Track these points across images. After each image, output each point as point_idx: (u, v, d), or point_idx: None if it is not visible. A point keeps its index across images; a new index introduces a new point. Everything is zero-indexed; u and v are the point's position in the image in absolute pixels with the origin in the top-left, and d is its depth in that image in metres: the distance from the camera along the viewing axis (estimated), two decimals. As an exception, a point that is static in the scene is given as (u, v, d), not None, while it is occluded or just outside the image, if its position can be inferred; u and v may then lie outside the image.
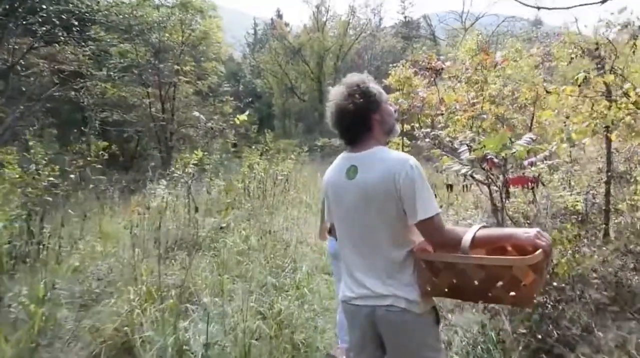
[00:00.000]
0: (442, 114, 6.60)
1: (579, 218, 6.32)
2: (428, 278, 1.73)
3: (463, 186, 3.67)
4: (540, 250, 1.53)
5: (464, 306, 3.70)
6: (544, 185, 4.03)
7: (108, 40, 16.51)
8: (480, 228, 1.68)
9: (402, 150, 16.82)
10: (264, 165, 8.28)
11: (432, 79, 6.27)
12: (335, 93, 1.87)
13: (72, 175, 8.08)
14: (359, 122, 1.84)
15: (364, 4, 46.92)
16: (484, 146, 3.16)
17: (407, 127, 14.52)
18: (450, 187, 3.53)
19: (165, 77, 17.30)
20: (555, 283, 3.56)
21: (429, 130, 6.18)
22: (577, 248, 3.76)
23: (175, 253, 4.75)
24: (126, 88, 17.30)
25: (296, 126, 36.36)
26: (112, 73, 15.66)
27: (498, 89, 7.66)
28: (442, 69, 6.02)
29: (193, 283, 3.83)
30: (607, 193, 5.40)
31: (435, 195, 2.28)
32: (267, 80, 37.29)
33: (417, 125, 9.35)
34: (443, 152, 3.55)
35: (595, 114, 4.11)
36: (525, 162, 3.35)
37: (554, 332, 2.71)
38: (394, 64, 15.01)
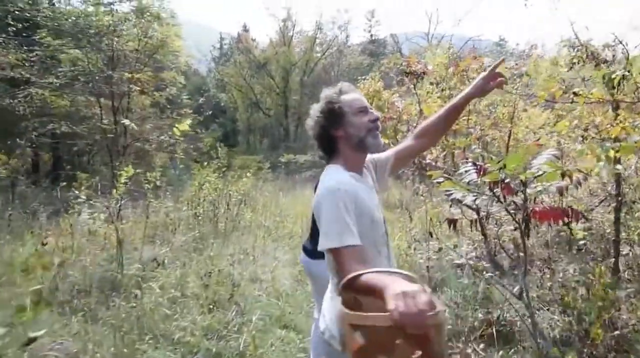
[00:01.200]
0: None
1: (578, 249, 5.53)
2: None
3: (473, 221, 2.71)
4: (385, 314, 1.07)
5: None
6: (586, 219, 3.17)
7: (57, 45, 15.14)
8: (370, 272, 1.30)
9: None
10: (216, 184, 7.19)
11: (412, 86, 5.38)
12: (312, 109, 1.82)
13: None
14: (321, 141, 1.79)
15: (330, 20, 46.37)
16: (504, 166, 2.23)
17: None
18: (452, 222, 2.57)
19: (118, 87, 16.00)
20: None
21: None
22: (612, 300, 2.85)
23: (84, 302, 3.61)
24: (77, 97, 15.99)
25: (261, 142, 35.32)
26: (57, 80, 14.26)
27: (473, 102, 6.90)
28: (424, 73, 5.15)
29: (92, 356, 2.72)
30: (617, 221, 4.58)
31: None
32: (232, 94, 36.23)
33: (386, 141, 8.44)
34: (444, 175, 2.59)
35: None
36: (553, 187, 2.43)
37: None
38: (363, 77, 14.26)
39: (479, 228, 4.88)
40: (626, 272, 4.50)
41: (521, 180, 2.55)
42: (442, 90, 5.62)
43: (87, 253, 4.71)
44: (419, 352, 1.08)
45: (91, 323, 3.29)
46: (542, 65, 5.10)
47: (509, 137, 9.47)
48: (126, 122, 4.26)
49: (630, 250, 4.95)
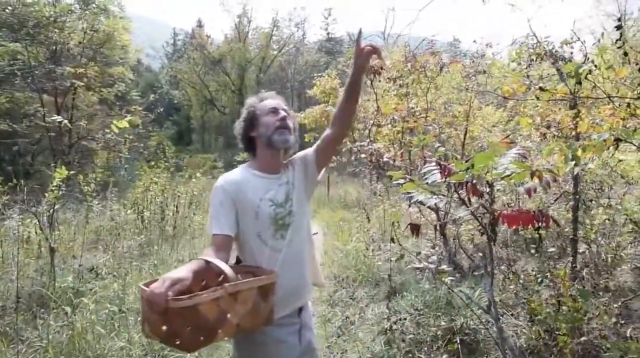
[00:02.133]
0: (380, 126, 5.55)
1: (536, 248, 5.50)
2: None
3: (438, 226, 2.47)
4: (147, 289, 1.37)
5: None
6: (558, 225, 3.05)
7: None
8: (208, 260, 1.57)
9: (329, 164, 15.76)
10: (162, 185, 6.76)
11: (370, 82, 5.20)
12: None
13: None
14: (244, 143, 1.99)
15: (287, 17, 45.82)
16: (472, 166, 2.04)
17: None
18: (415, 228, 2.35)
19: (61, 82, 15.09)
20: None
21: (364, 143, 5.08)
22: (578, 306, 2.73)
23: (7, 322, 3.21)
24: (15, 93, 15.01)
25: (216, 140, 34.54)
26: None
27: (430, 100, 6.82)
28: (382, 68, 4.97)
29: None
30: (575, 220, 4.55)
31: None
32: (186, 91, 35.26)
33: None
34: (408, 176, 2.38)
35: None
36: (522, 188, 2.26)
37: None
38: (319, 74, 14.07)
39: (438, 229, 4.75)
40: (584, 270, 4.47)
41: (487, 181, 2.38)
42: (400, 86, 5.45)
43: (16, 264, 4.25)
44: (164, 328, 1.34)
45: (12, 347, 2.90)
46: (497, 64, 5.03)
47: (465, 134, 9.49)
48: (58, 118, 3.82)
49: (587, 249, 4.95)
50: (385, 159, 5.18)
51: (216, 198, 1.80)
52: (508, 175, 2.21)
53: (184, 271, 1.47)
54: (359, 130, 7.50)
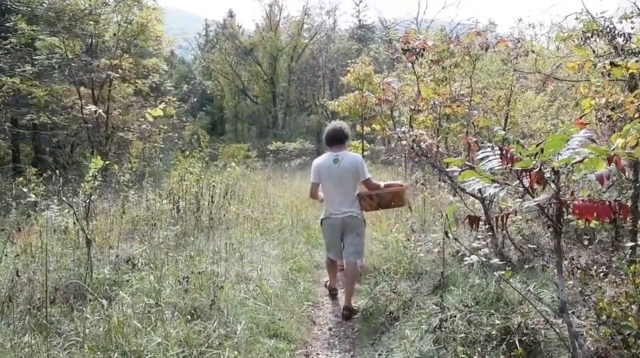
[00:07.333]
0: (420, 111, 5.27)
1: (589, 239, 5.17)
2: (366, 203, 4.30)
3: (499, 218, 2.25)
4: (403, 187, 4.54)
5: None
6: (636, 216, 2.78)
7: (30, 31, 14.36)
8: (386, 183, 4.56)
9: (362, 153, 15.61)
10: (197, 175, 6.70)
11: (411, 64, 4.93)
12: (335, 125, 4.53)
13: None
14: (344, 140, 4.41)
15: (318, 5, 45.50)
16: (541, 151, 1.80)
17: (367, 129, 13.28)
18: (474, 221, 2.15)
19: (98, 74, 15.30)
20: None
21: (405, 129, 4.83)
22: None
23: (45, 314, 3.15)
24: (54, 86, 15.31)
25: (249, 130, 34.66)
26: (31, 69, 13.54)
27: (467, 85, 6.48)
28: (424, 49, 4.69)
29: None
30: (635, 210, 4.21)
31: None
32: (218, 81, 35.45)
33: (377, 127, 7.97)
34: (467, 163, 2.16)
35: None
36: (592, 175, 2.01)
37: None
38: (353, 61, 13.76)
39: (484, 219, 4.48)
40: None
41: (552, 168, 2.14)
42: (443, 69, 5.15)
43: (54, 255, 4.24)
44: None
45: (50, 340, 2.85)
46: (559, 36, 4.67)
47: (506, 120, 9.07)
48: (93, 108, 3.80)
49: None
50: (423, 146, 4.94)
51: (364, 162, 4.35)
52: (580, 161, 1.97)
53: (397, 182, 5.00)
54: (394, 118, 7.24)
